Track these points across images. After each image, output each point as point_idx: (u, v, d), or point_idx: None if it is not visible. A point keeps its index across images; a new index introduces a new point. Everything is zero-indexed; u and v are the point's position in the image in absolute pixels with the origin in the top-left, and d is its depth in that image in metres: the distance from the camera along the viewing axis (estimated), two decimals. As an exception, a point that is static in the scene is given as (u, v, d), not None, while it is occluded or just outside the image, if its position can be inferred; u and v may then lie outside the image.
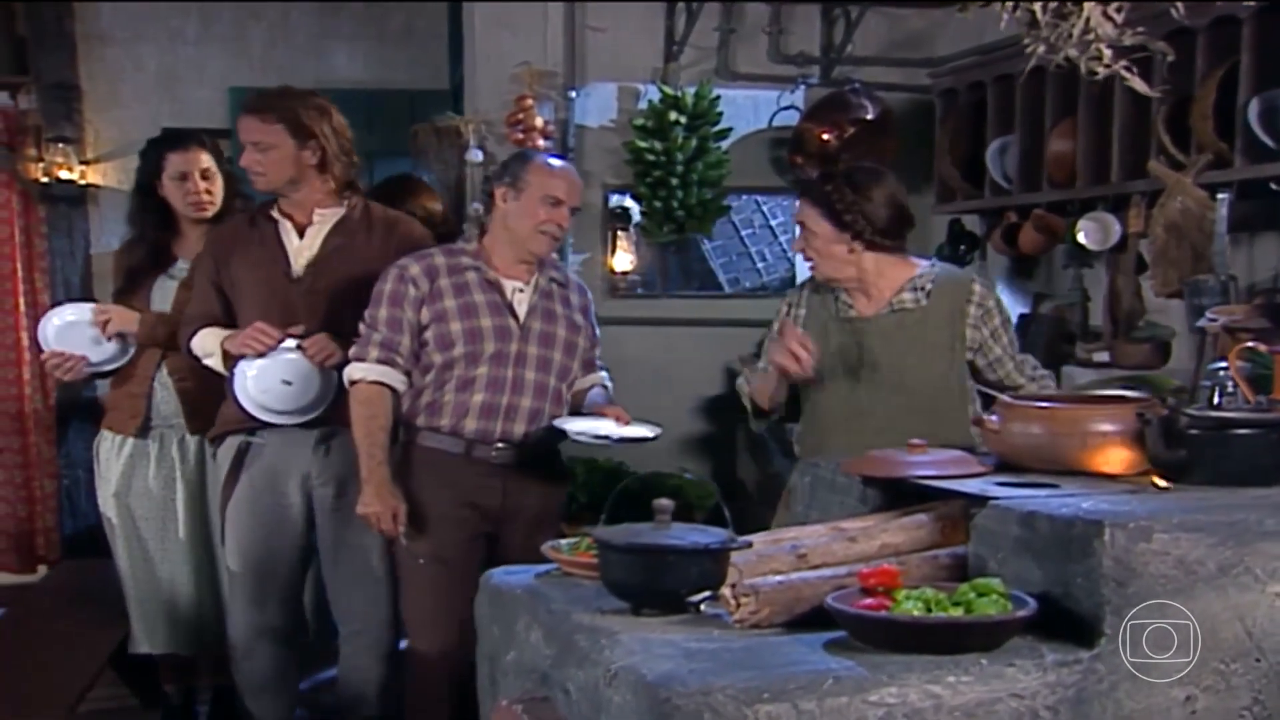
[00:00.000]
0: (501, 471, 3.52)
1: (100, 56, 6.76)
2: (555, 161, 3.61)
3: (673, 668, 1.97)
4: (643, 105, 5.40)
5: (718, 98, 5.35)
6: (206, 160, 4.11)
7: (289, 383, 3.64)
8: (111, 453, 4.10)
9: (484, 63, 5.39)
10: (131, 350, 4.08)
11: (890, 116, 5.42)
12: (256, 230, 3.80)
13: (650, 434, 3.53)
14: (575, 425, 3.49)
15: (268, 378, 3.64)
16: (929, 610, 2.05)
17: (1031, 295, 5.08)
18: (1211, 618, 2.10)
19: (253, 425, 3.72)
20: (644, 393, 5.38)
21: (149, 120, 6.60)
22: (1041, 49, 2.40)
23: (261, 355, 3.63)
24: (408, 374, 3.53)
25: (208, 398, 3.92)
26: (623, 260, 5.53)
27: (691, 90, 5.29)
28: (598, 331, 3.77)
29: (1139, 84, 2.57)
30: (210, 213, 4.11)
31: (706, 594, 2.29)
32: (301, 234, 3.78)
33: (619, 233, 5.52)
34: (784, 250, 6.40)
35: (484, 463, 3.51)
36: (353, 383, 3.51)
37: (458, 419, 3.49)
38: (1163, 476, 2.53)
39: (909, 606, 2.05)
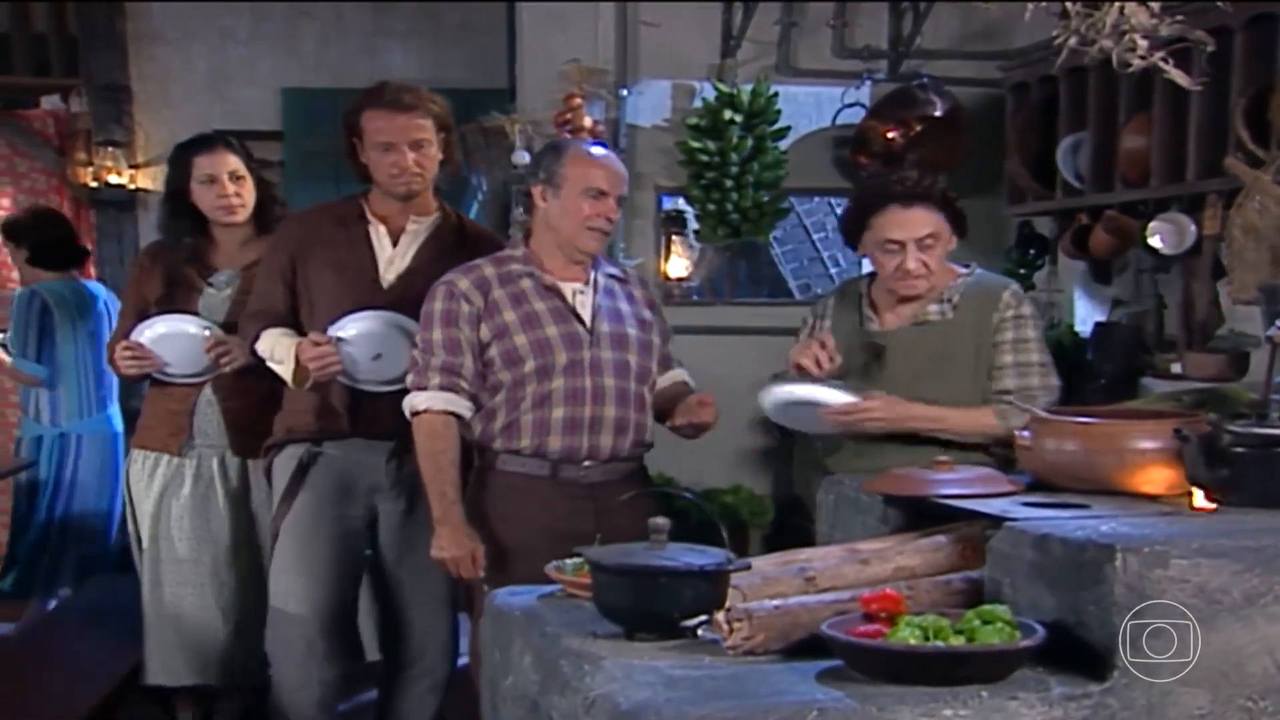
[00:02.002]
0: (591, 492, 3.36)
1: (151, 56, 6.91)
2: (592, 149, 3.46)
3: (650, 696, 1.96)
4: (698, 104, 5.39)
5: (775, 95, 5.32)
6: (234, 162, 4.07)
7: (379, 356, 3.56)
8: (144, 473, 4.08)
9: (532, 61, 5.42)
10: (212, 374, 4.02)
11: (961, 113, 5.35)
12: (345, 230, 3.68)
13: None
14: (787, 393, 3.25)
15: (360, 359, 3.54)
16: (927, 638, 2.02)
17: (1109, 302, 4.99)
18: (1237, 650, 2.04)
19: (318, 435, 3.64)
20: (698, 404, 5.38)
21: (199, 122, 6.70)
22: (1073, 41, 2.35)
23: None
24: (474, 398, 3.36)
25: (253, 417, 3.90)
26: (678, 266, 5.52)
27: (748, 88, 5.27)
28: (665, 322, 3.64)
29: (1179, 76, 2.51)
30: (241, 216, 4.08)
31: (703, 618, 2.27)
32: (395, 241, 3.69)
33: (674, 237, 5.51)
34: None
35: (573, 483, 3.35)
36: (415, 414, 3.35)
37: (539, 438, 3.33)
38: (1208, 498, 2.48)
39: (905, 634, 2.02)
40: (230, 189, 4.04)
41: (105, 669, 3.99)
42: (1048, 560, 2.13)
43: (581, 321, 3.40)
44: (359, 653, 3.95)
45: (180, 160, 4.12)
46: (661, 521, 2.33)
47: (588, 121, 5.21)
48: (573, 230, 3.37)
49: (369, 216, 3.70)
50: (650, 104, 5.49)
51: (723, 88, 5.26)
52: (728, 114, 5.21)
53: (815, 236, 7.46)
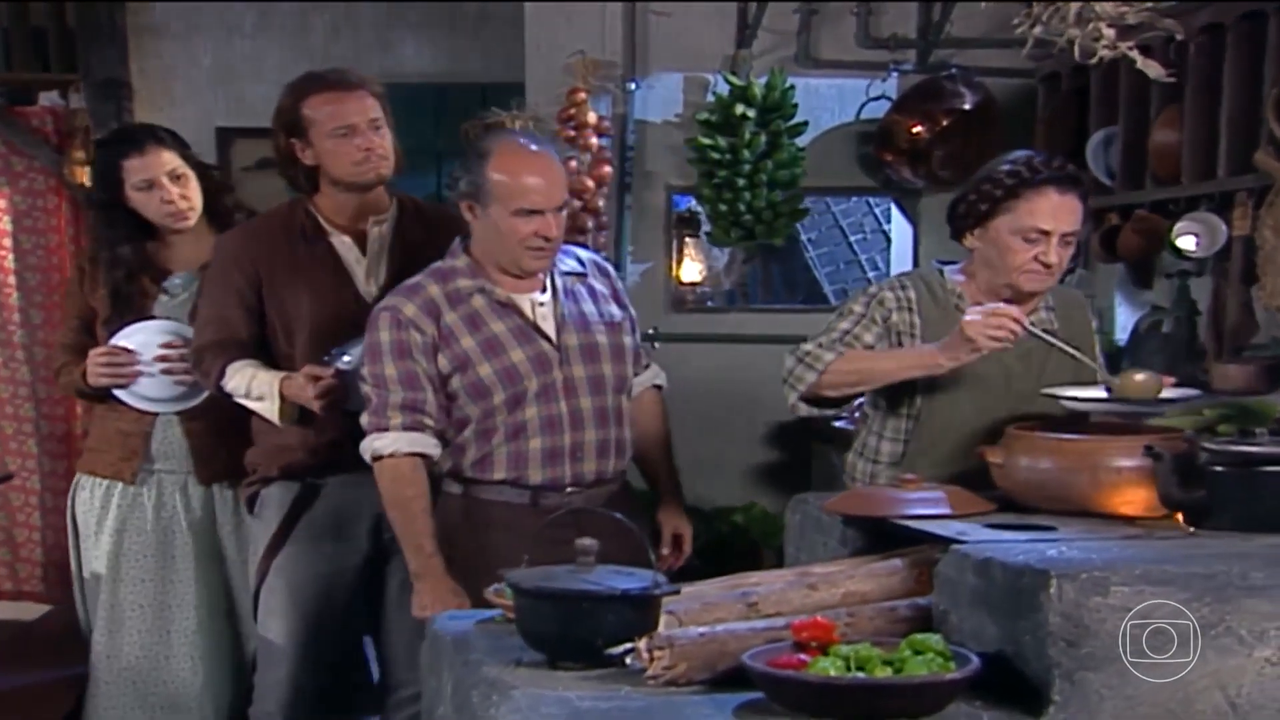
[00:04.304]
0: (573, 518, 3.11)
1: (154, 52, 6.96)
2: (520, 154, 3.20)
3: (547, 729, 1.96)
4: (711, 98, 5.38)
5: (791, 88, 5.30)
6: (170, 159, 3.80)
7: None
8: (95, 504, 3.89)
9: (537, 53, 5.43)
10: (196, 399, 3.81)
11: (992, 106, 5.31)
12: (306, 245, 3.53)
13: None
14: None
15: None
16: (849, 669, 2.01)
17: (1149, 308, 4.93)
18: (1185, 685, 2.01)
19: (317, 471, 3.54)
20: (710, 417, 5.37)
21: (203, 120, 6.81)
22: (1038, 29, 2.33)
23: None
24: (440, 434, 3.24)
25: (219, 440, 3.79)
26: (691, 270, 5.52)
27: (762, 80, 5.26)
28: (633, 311, 3.48)
29: (1153, 67, 2.48)
30: (192, 220, 3.83)
31: (630, 646, 2.27)
32: (362, 246, 3.56)
33: (687, 239, 5.51)
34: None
35: (555, 510, 3.16)
36: (377, 459, 3.21)
37: (518, 471, 3.24)
38: (1188, 520, 2.46)
39: (825, 665, 2.01)
40: (174, 192, 3.79)
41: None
42: (990, 586, 2.12)
43: (546, 338, 3.26)
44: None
45: (108, 165, 3.86)
46: (588, 542, 2.34)
47: (592, 117, 5.22)
48: (512, 252, 3.20)
49: (326, 226, 3.56)
50: (660, 98, 5.48)
51: (735, 80, 5.24)
52: (740, 109, 5.19)
53: (852, 238, 7.46)
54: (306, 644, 3.59)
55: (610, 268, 3.55)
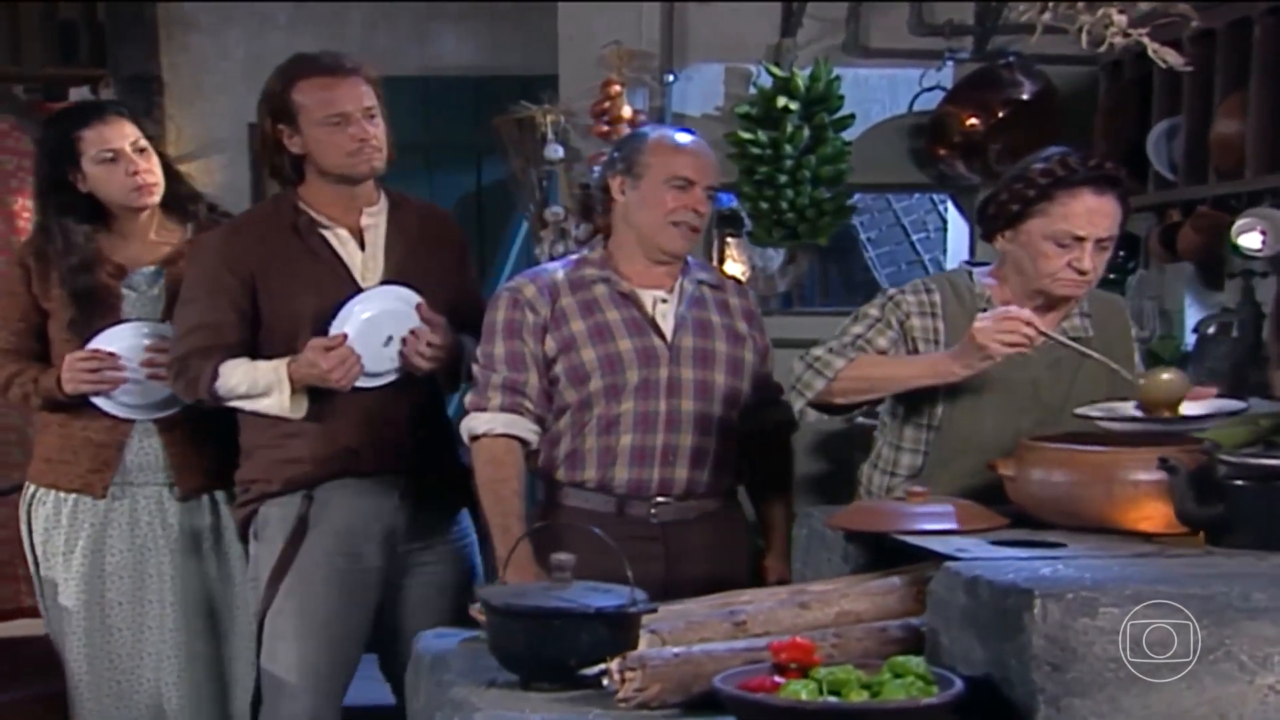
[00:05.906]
0: (663, 532, 3.27)
1: (184, 45, 7.05)
2: (678, 135, 3.42)
3: (505, 753, 1.98)
4: (754, 90, 5.37)
5: (837, 79, 5.27)
6: (133, 131, 3.72)
7: (390, 339, 3.45)
8: (58, 520, 3.78)
9: (570, 44, 5.44)
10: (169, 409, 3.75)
11: (1052, 95, 5.26)
12: (299, 240, 3.51)
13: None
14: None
15: (372, 351, 3.41)
16: (821, 693, 2.01)
17: (1219, 310, 4.86)
18: (1182, 713, 1.99)
19: (324, 479, 3.51)
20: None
21: (235, 115, 6.86)
22: (1047, 17, 2.31)
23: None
24: (539, 419, 3.31)
25: (202, 449, 3.75)
26: (733, 271, 5.50)
27: (806, 71, 5.24)
28: (768, 340, 3.53)
29: (1169, 55, 2.45)
30: (158, 196, 3.73)
31: (604, 666, 2.28)
32: (358, 240, 3.55)
33: (729, 239, 5.50)
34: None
35: (641, 522, 3.27)
36: (474, 438, 3.29)
37: (604, 469, 3.27)
38: (1207, 537, 2.44)
39: (796, 689, 2.00)
40: (141, 164, 3.69)
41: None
42: (978, 606, 2.11)
43: (661, 335, 3.31)
44: None
45: (62, 138, 3.72)
46: (565, 558, 2.35)
47: (628, 111, 5.21)
48: (654, 226, 3.29)
49: (319, 219, 3.54)
50: (700, 91, 5.47)
51: (777, 72, 5.23)
52: (782, 101, 5.17)
53: (915, 237, 7.43)
54: (324, 671, 3.53)
55: (752, 294, 3.68)
